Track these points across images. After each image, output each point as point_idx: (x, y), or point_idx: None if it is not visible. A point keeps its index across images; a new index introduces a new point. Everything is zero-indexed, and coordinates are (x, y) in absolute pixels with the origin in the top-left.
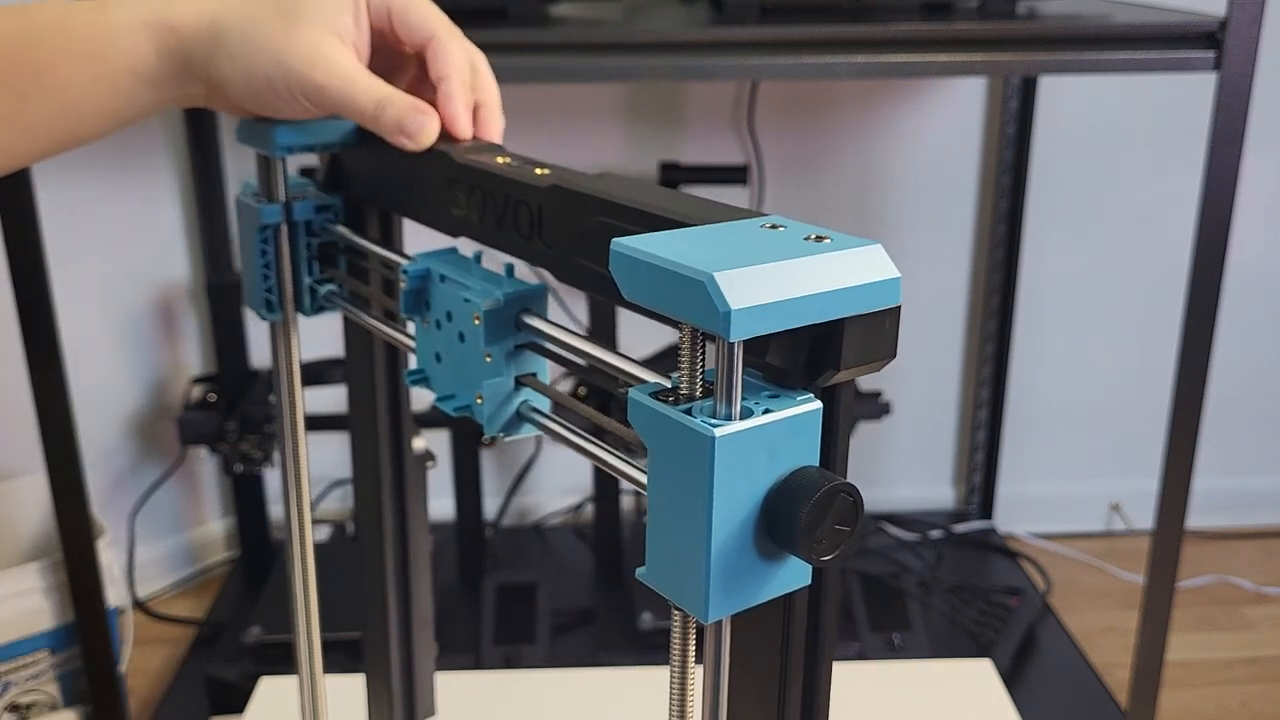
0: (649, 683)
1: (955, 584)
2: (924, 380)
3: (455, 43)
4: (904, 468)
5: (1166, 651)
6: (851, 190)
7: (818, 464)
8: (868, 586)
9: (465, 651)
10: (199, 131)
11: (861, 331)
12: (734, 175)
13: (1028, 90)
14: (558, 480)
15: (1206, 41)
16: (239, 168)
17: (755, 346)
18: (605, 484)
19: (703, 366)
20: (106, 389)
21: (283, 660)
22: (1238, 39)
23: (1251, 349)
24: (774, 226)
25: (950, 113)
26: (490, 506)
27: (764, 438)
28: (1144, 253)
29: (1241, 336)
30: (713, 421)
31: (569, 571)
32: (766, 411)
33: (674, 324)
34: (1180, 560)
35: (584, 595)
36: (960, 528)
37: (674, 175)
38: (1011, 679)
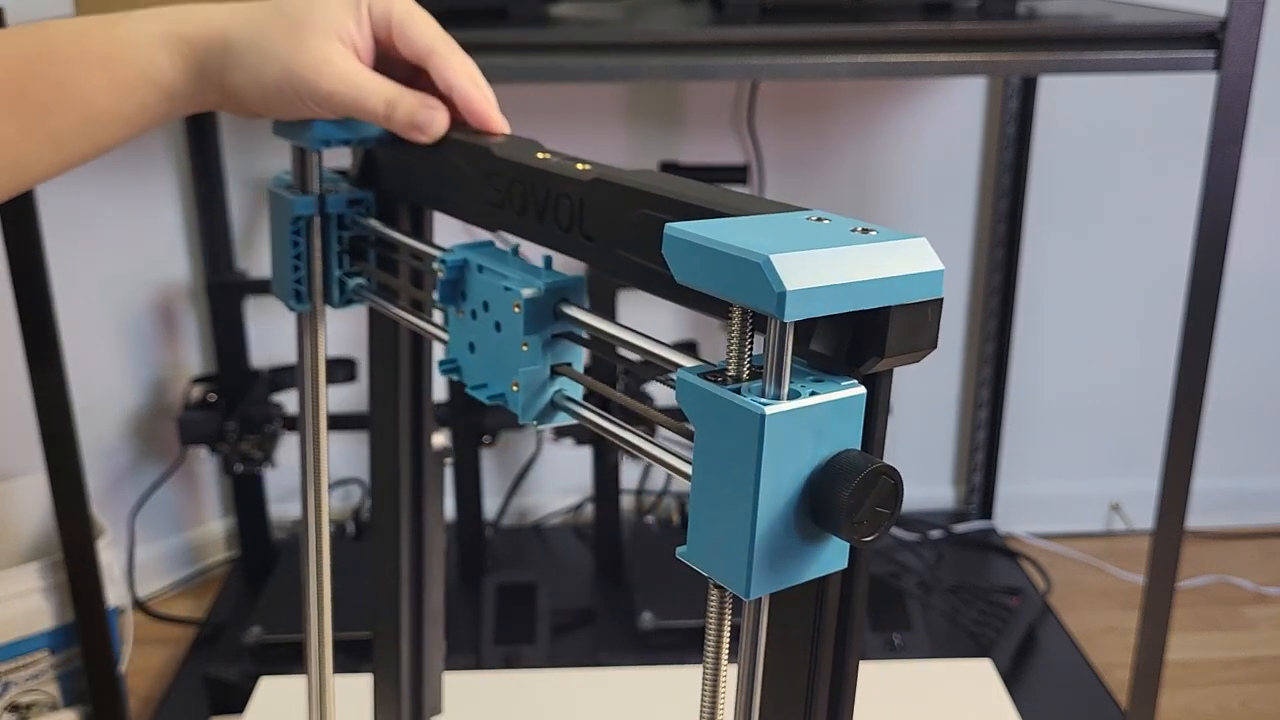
0: (649, 683)
1: (955, 584)
2: (924, 380)
3: (455, 54)
4: (904, 467)
5: (1166, 651)
6: (851, 190)
7: (859, 448)
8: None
9: (466, 651)
10: (199, 132)
11: (906, 320)
12: (734, 175)
13: (1028, 90)
14: (558, 480)
15: (1206, 41)
16: (239, 168)
17: (801, 333)
18: (605, 484)
19: (750, 350)
20: (106, 389)
21: (283, 660)
22: (1238, 39)
23: (1251, 349)
24: (819, 219)
25: (950, 113)
26: (490, 506)
27: (810, 419)
28: (1144, 253)
29: (1241, 336)
30: (762, 401)
31: (569, 571)
32: (813, 394)
33: (720, 310)
34: (1180, 560)
35: (584, 595)
36: (960, 528)
37: (674, 175)
38: (1011, 679)
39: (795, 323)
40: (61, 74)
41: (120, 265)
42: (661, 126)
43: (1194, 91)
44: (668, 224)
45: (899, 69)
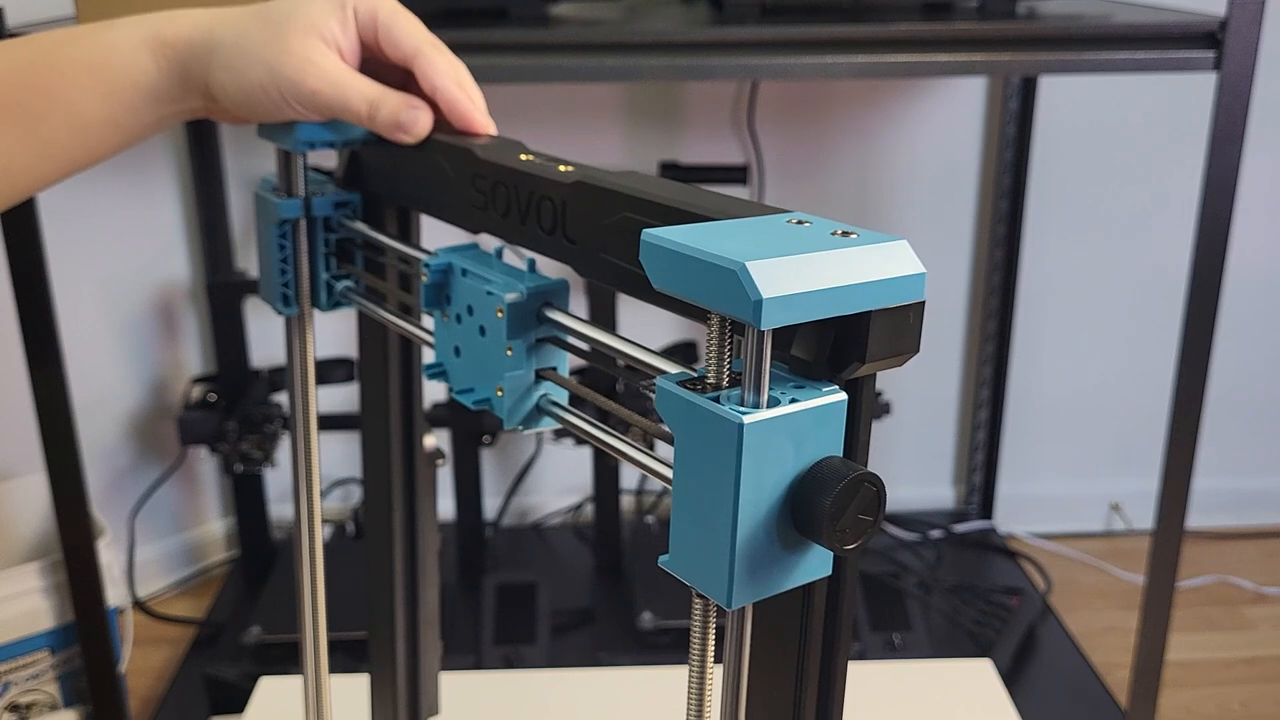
0: (649, 683)
1: (955, 584)
2: (924, 380)
3: (440, 55)
4: (904, 467)
5: (1166, 651)
6: (851, 190)
7: (841, 454)
8: (868, 586)
9: (465, 651)
10: (199, 132)
11: (887, 325)
12: (734, 175)
13: (1028, 90)
14: (557, 480)
15: (1206, 41)
16: (239, 168)
17: (781, 339)
18: (605, 484)
19: (730, 357)
20: (107, 389)
21: (282, 660)
22: (1238, 39)
23: (1251, 348)
24: (800, 222)
25: (950, 113)
26: (490, 506)
27: (791, 427)
28: (1144, 253)
29: (1241, 336)
30: (741, 409)
31: (569, 571)
32: (793, 401)
33: (701, 315)
34: (1180, 560)
35: (584, 595)
36: (960, 528)
37: (674, 175)
38: (1011, 679)
39: (774, 329)
40: (50, 82)
41: (120, 265)
42: (661, 126)
43: (1194, 91)
44: (644, 230)
45: (899, 69)
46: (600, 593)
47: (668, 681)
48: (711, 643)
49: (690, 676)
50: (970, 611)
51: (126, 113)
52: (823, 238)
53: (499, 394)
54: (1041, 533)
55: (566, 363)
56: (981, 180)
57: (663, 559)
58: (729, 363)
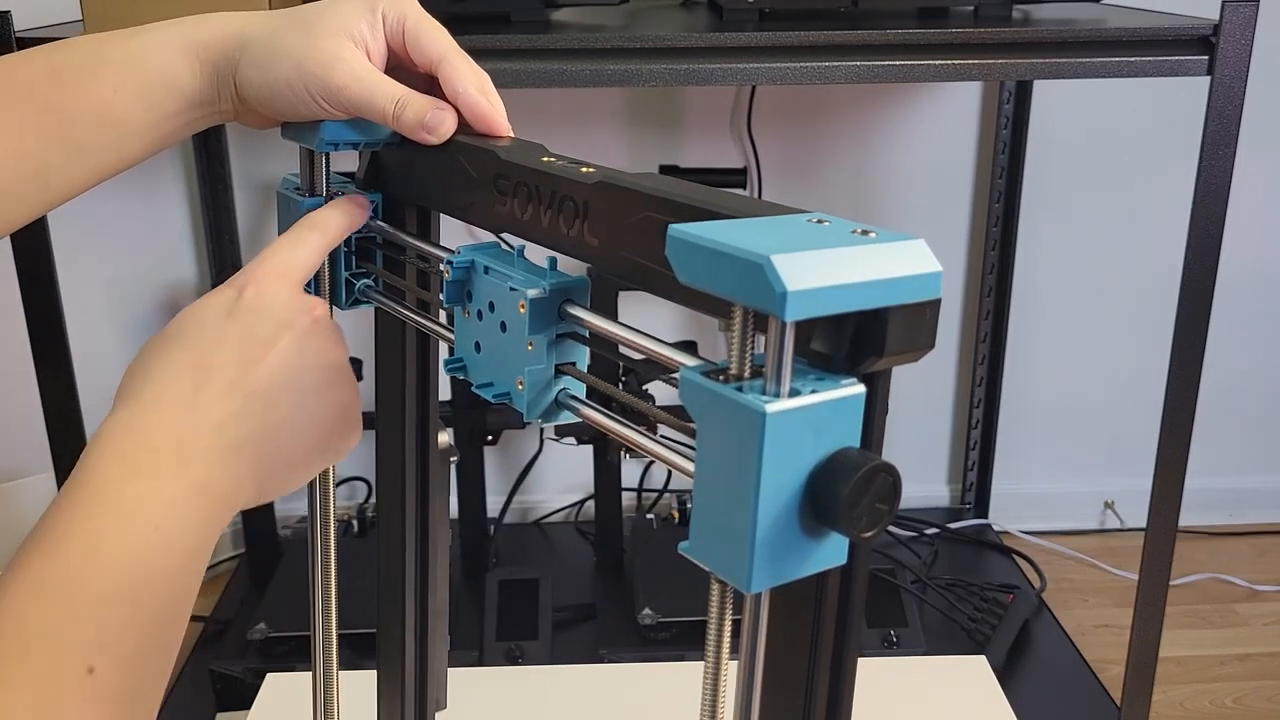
0: (649, 678)
1: (950, 581)
2: (919, 379)
3: (464, 62)
4: (900, 465)
5: (1160, 648)
6: (848, 193)
7: (859, 446)
8: None
9: (468, 647)
10: (206, 134)
11: (904, 320)
12: (733, 178)
13: (1022, 94)
14: (559, 478)
15: (1199, 46)
16: (245, 172)
17: (801, 334)
18: (606, 482)
19: (752, 350)
20: (114, 389)
21: (288, 656)
22: (1230, 43)
23: (1243, 349)
24: (820, 221)
25: (946, 116)
26: (493, 504)
27: (811, 417)
28: (1137, 253)
29: (1233, 336)
30: (763, 399)
31: (571, 568)
32: (813, 393)
33: (723, 310)
34: (1173, 557)
35: (585, 591)
36: (956, 525)
37: (673, 178)
38: (1006, 675)
39: (796, 322)
40: (84, 84)
41: (128, 267)
42: (661, 130)
43: (1187, 95)
44: (671, 225)
45: (895, 73)
46: (601, 589)
47: (668, 676)
48: (729, 628)
49: (706, 664)
50: (965, 608)
51: (159, 115)
52: (843, 236)
53: (519, 388)
54: (1036, 530)
55: (586, 358)
56: (977, 182)
57: (683, 545)
58: (751, 355)
